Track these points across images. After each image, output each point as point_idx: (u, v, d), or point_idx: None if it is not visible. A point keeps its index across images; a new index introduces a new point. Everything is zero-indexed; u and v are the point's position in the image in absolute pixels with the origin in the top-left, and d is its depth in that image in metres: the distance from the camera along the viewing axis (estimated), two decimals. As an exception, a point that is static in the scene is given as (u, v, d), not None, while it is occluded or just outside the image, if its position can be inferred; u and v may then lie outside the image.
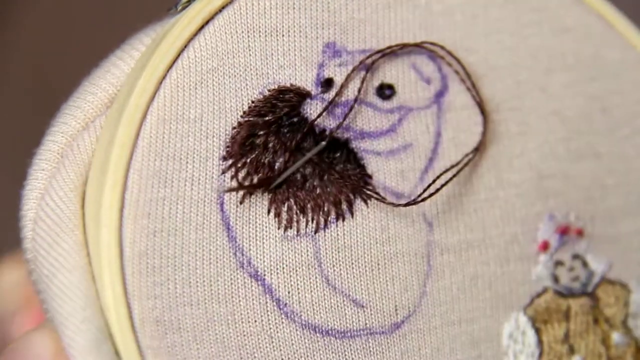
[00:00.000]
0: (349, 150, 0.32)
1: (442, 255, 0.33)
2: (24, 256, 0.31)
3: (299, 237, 0.31)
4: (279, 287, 0.31)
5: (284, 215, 0.31)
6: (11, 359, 0.30)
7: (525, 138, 0.35)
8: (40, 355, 0.29)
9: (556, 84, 0.35)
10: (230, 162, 0.31)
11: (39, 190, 0.31)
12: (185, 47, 0.31)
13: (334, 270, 0.32)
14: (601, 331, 0.35)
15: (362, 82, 0.33)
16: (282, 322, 0.31)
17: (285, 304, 0.31)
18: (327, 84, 0.32)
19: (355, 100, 0.32)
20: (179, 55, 0.31)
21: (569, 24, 0.35)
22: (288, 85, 0.32)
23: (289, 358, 0.31)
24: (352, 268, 0.32)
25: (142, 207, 0.30)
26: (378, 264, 0.32)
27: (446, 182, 0.33)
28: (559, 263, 0.35)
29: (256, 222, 0.31)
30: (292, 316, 0.31)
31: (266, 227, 0.31)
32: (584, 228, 0.35)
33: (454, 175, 0.33)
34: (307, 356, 0.31)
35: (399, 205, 0.32)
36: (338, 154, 0.32)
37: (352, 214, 0.32)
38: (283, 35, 0.32)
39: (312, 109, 0.32)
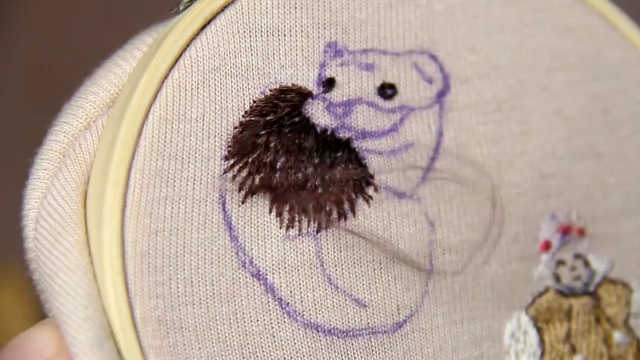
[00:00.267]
0: (350, 149, 0.32)
1: (444, 255, 0.33)
2: (26, 256, 0.31)
3: (300, 237, 0.31)
4: (281, 286, 0.31)
5: (286, 215, 0.31)
6: (13, 354, 0.30)
7: (527, 137, 0.35)
8: (42, 350, 0.29)
9: (558, 83, 0.35)
10: (231, 161, 0.31)
11: (41, 190, 0.31)
12: (187, 46, 0.31)
13: (336, 270, 0.32)
14: (603, 331, 0.35)
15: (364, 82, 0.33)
16: (284, 322, 0.31)
17: (288, 303, 0.31)
18: (329, 83, 0.32)
19: (357, 99, 0.33)
20: (180, 54, 0.31)
21: (571, 24, 0.35)
22: (290, 85, 0.32)
23: (291, 357, 0.31)
24: (354, 267, 0.32)
25: (144, 206, 0.30)
26: (380, 264, 0.32)
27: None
28: (560, 262, 0.35)
29: (258, 221, 0.31)
30: (295, 316, 0.31)
31: (268, 226, 0.31)
32: (586, 227, 0.35)
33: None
34: (310, 355, 0.31)
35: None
36: (340, 154, 0.32)
37: (354, 213, 0.32)
38: (285, 35, 0.32)
39: (313, 109, 0.32)
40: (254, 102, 0.31)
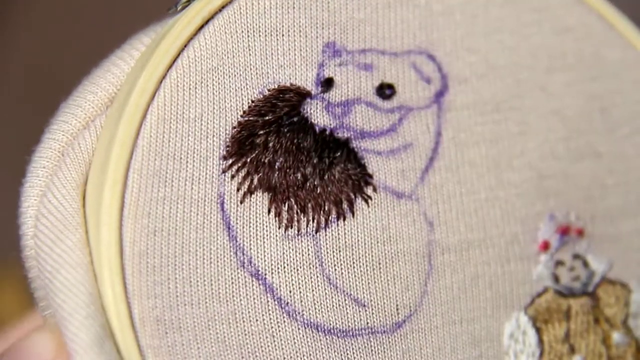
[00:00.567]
0: (349, 149, 0.32)
1: (443, 255, 0.33)
2: (22, 253, 0.31)
3: (299, 237, 0.31)
4: (280, 286, 0.31)
5: (285, 215, 0.31)
6: (12, 358, 0.30)
7: (526, 138, 0.35)
8: (41, 354, 0.29)
9: (556, 84, 0.35)
10: (230, 161, 0.31)
11: (40, 188, 0.31)
12: (185, 46, 0.31)
13: (335, 270, 0.32)
14: (602, 331, 0.35)
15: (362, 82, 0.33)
16: (284, 322, 0.31)
17: (287, 303, 0.31)
18: (327, 83, 0.32)
19: (356, 99, 0.33)
20: (178, 54, 0.31)
21: (569, 24, 0.35)
22: (288, 84, 0.32)
23: (290, 357, 0.31)
24: (354, 267, 0.32)
25: (142, 206, 0.30)
26: (379, 264, 0.32)
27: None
28: (559, 263, 0.35)
29: (257, 221, 0.31)
30: (294, 315, 0.31)
31: (267, 226, 0.31)
32: (585, 228, 0.35)
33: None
34: (309, 355, 0.31)
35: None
36: (338, 154, 0.32)
37: (353, 213, 0.32)
38: (283, 35, 0.32)
39: (312, 109, 0.32)
40: (253, 102, 0.31)
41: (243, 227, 0.31)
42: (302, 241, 0.31)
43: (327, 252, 0.32)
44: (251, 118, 0.31)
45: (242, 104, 0.31)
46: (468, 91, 0.34)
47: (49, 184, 0.31)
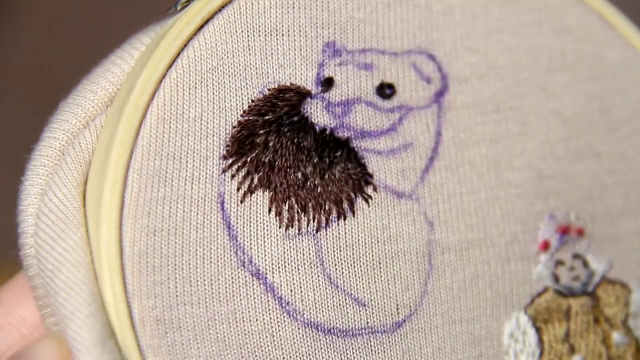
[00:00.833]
0: (349, 149, 0.32)
1: (443, 255, 0.33)
2: (21, 251, 0.31)
3: (300, 236, 0.31)
4: (280, 285, 0.31)
5: (285, 214, 0.31)
6: None
7: (526, 138, 0.35)
8: None
9: (556, 84, 0.35)
10: (230, 161, 0.31)
11: (40, 186, 0.31)
12: (185, 46, 0.31)
13: (336, 269, 0.32)
14: (601, 331, 0.35)
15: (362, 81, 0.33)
16: (284, 321, 0.31)
17: (287, 302, 0.31)
18: (327, 83, 0.32)
19: (356, 99, 0.33)
20: (178, 54, 0.31)
21: (569, 24, 0.35)
22: (288, 84, 0.32)
23: (290, 357, 0.31)
24: (354, 267, 0.32)
25: (142, 206, 0.30)
26: (379, 263, 0.32)
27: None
28: (559, 263, 0.35)
29: (257, 220, 0.31)
30: (294, 315, 0.31)
31: (267, 225, 0.31)
32: (584, 228, 0.35)
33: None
34: (309, 355, 0.31)
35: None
36: (339, 153, 0.32)
37: (353, 212, 0.32)
38: (283, 35, 0.32)
39: (312, 108, 0.32)
40: (253, 101, 0.31)
41: (243, 227, 0.31)
42: (302, 240, 0.31)
43: (328, 252, 0.32)
44: (251, 117, 0.31)
45: (242, 103, 0.31)
46: (468, 91, 0.34)
47: (49, 183, 0.31)
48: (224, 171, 0.31)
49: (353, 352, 0.32)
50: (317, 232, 0.32)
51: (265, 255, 0.31)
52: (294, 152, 0.31)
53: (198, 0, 0.32)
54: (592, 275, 0.35)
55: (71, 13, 0.81)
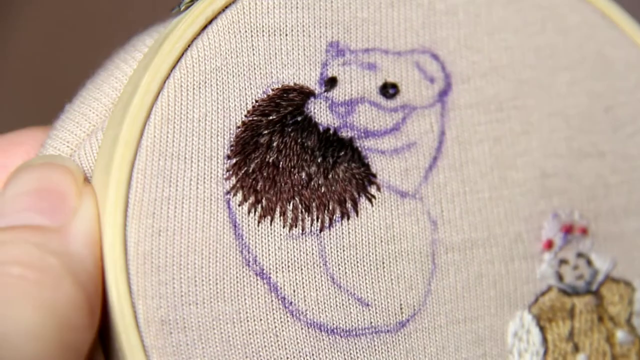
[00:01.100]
0: (353, 148, 0.32)
1: (447, 254, 0.33)
2: None
3: (304, 236, 0.31)
4: (284, 285, 0.31)
5: (289, 214, 0.31)
6: (47, 195, 0.29)
7: (529, 137, 0.35)
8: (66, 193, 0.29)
9: (560, 83, 0.35)
10: (234, 160, 0.31)
11: None
12: (189, 46, 0.31)
13: (339, 269, 0.32)
14: (605, 329, 0.35)
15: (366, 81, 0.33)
16: (288, 321, 0.31)
17: (291, 302, 0.31)
18: (331, 82, 0.32)
19: (359, 99, 0.33)
20: (182, 54, 0.31)
21: (573, 23, 0.35)
22: (292, 84, 0.32)
23: (294, 357, 0.31)
24: (357, 267, 0.32)
25: (146, 206, 0.30)
26: (383, 263, 0.32)
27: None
28: (563, 261, 0.35)
29: (262, 220, 0.31)
30: (298, 315, 0.31)
31: (271, 225, 0.31)
32: (588, 226, 0.35)
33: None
34: (313, 355, 0.31)
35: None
36: (342, 153, 0.32)
37: (357, 212, 0.32)
38: (286, 35, 0.32)
39: (315, 108, 0.32)
40: (257, 101, 0.31)
41: (249, 225, 0.31)
42: (306, 240, 0.31)
43: (331, 252, 0.32)
44: (255, 118, 0.31)
45: (246, 103, 0.31)
46: (471, 90, 0.34)
47: None
48: (228, 170, 0.31)
49: (356, 352, 0.32)
50: (320, 232, 0.32)
51: (269, 254, 0.31)
52: (297, 152, 0.31)
53: (201, 0, 0.32)
54: (596, 273, 0.35)
55: (72, 13, 0.81)
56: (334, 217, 0.32)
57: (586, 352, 0.35)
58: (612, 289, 0.35)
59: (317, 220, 0.31)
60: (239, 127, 0.31)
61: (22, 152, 0.33)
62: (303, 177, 0.31)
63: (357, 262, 0.32)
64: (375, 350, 0.32)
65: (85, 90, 0.33)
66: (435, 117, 0.34)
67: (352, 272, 0.32)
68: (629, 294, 0.36)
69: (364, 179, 0.32)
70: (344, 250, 0.32)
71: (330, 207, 0.32)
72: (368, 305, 0.32)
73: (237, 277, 0.30)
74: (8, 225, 0.28)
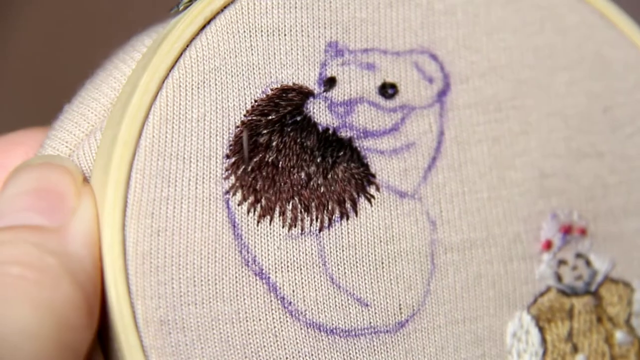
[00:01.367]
0: (352, 148, 0.32)
1: (446, 254, 0.33)
2: None
3: (303, 236, 0.31)
4: (283, 285, 0.31)
5: (289, 214, 0.31)
6: (46, 195, 0.29)
7: (528, 137, 0.35)
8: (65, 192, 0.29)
9: (558, 83, 0.35)
10: (233, 160, 0.31)
11: None
12: (187, 46, 0.31)
13: (338, 269, 0.32)
14: (604, 330, 0.35)
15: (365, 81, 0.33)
16: (287, 321, 0.31)
17: (290, 302, 0.31)
18: (330, 82, 0.32)
19: (358, 99, 0.33)
20: (180, 54, 0.31)
21: (571, 23, 0.35)
22: (291, 84, 0.32)
23: (293, 357, 0.31)
24: (356, 267, 0.32)
25: (145, 206, 0.30)
26: (382, 263, 0.32)
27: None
28: (562, 262, 0.35)
29: (261, 220, 0.31)
30: (297, 315, 0.31)
31: (271, 225, 0.31)
32: (587, 227, 0.35)
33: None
34: (312, 355, 0.31)
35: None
36: (341, 153, 0.32)
37: (356, 212, 0.32)
38: (285, 35, 0.32)
39: (314, 108, 0.32)
40: (255, 101, 0.31)
41: (248, 225, 0.31)
42: (305, 240, 0.31)
43: (330, 252, 0.32)
44: (254, 118, 0.31)
45: (245, 103, 0.31)
46: (470, 90, 0.34)
47: None
48: (227, 170, 0.31)
49: (355, 352, 0.32)
50: (319, 232, 0.32)
51: (268, 254, 0.31)
52: (297, 151, 0.31)
53: (200, 0, 0.32)
54: (595, 274, 0.35)
55: (72, 13, 0.81)
56: (333, 217, 0.32)
57: (585, 353, 0.35)
58: (611, 290, 0.35)
59: (317, 220, 0.31)
60: (237, 127, 0.31)
61: (22, 152, 0.33)
62: (302, 177, 0.31)
63: (356, 262, 0.32)
64: (375, 350, 0.32)
65: (84, 90, 0.33)
66: (434, 117, 0.34)
67: (352, 272, 0.32)
68: (628, 295, 0.36)
69: (363, 179, 0.32)
70: (343, 251, 0.32)
71: (330, 207, 0.32)
72: (367, 305, 0.32)
73: (236, 277, 0.30)
74: (7, 225, 0.28)
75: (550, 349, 0.34)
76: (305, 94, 0.32)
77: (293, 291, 0.31)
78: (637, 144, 0.36)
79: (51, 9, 0.81)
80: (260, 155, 0.31)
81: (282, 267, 0.31)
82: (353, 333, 0.32)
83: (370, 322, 0.32)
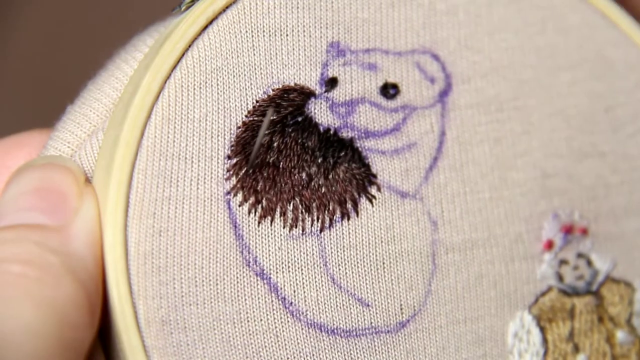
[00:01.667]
0: (353, 149, 0.32)
1: (447, 254, 0.33)
2: None
3: (304, 236, 0.31)
4: (284, 286, 0.31)
5: (290, 214, 0.31)
6: (47, 194, 0.29)
7: (529, 137, 0.35)
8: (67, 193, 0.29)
9: (560, 83, 0.35)
10: (234, 160, 0.31)
11: None
12: (190, 46, 0.31)
13: (339, 269, 0.32)
14: (606, 330, 0.35)
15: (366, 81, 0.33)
16: (288, 321, 0.31)
17: (291, 302, 0.31)
18: (331, 83, 0.32)
19: (360, 99, 0.33)
20: (183, 55, 0.31)
21: (573, 23, 0.35)
22: (292, 84, 0.32)
23: (294, 357, 0.31)
24: (358, 267, 0.32)
25: (147, 206, 0.30)
26: (383, 263, 0.32)
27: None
28: (563, 262, 0.35)
29: (262, 220, 0.31)
30: (298, 315, 0.31)
31: (272, 225, 0.31)
32: (588, 227, 0.35)
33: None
34: (313, 355, 0.31)
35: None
36: (343, 153, 0.32)
37: (357, 213, 0.32)
38: (287, 35, 0.32)
39: (316, 108, 0.32)
40: (257, 102, 0.31)
41: (249, 226, 0.31)
42: (306, 241, 0.31)
43: (331, 252, 0.32)
44: (256, 118, 0.31)
45: (247, 104, 0.31)
46: (472, 90, 0.34)
47: None
48: (228, 171, 0.31)
49: (357, 353, 0.32)
50: (320, 232, 0.32)
51: (269, 255, 0.31)
52: (298, 152, 0.31)
53: (202, 0, 0.32)
54: (596, 274, 0.35)
55: (73, 13, 0.80)
56: (334, 218, 0.32)
57: (586, 353, 0.35)
58: (612, 290, 0.35)
59: (318, 221, 0.31)
60: (239, 127, 0.31)
61: (25, 154, 0.33)
62: (303, 177, 0.31)
63: (358, 262, 0.32)
64: (376, 350, 0.32)
65: (86, 90, 0.33)
66: (436, 117, 0.34)
67: (353, 272, 0.32)
68: (629, 295, 0.36)
69: (365, 180, 0.32)
70: (344, 251, 0.32)
71: (331, 208, 0.32)
72: (368, 305, 0.32)
73: (237, 278, 0.30)
74: (9, 224, 0.28)
75: (552, 349, 0.34)
76: (306, 94, 0.32)
77: (294, 291, 0.31)
78: (639, 144, 0.36)
79: (51, 9, 0.81)
80: (262, 155, 0.31)
81: (283, 268, 0.31)
82: (354, 333, 0.32)
83: (371, 322, 0.32)
